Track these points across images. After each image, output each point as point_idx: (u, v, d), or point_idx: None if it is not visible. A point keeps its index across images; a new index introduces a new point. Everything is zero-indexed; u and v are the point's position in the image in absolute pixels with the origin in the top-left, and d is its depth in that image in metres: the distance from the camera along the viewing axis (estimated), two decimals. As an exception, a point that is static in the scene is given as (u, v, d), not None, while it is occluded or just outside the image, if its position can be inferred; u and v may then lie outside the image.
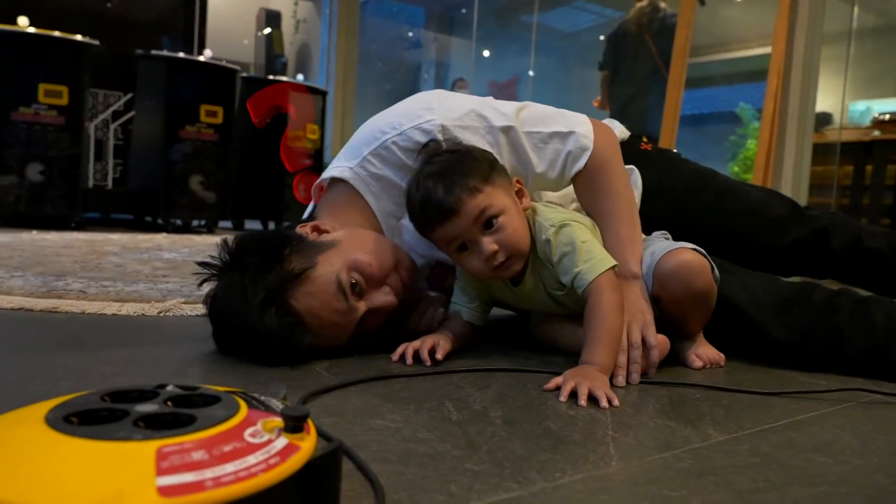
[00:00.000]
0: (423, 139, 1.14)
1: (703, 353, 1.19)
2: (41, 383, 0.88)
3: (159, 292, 1.58)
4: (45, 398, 0.56)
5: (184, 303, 1.44)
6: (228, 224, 4.78)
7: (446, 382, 0.99)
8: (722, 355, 1.20)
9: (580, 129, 1.20)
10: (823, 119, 5.51)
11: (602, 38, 10.69)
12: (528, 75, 8.62)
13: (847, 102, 8.07)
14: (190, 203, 3.97)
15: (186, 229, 4.16)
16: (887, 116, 3.87)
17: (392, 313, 1.14)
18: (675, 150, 1.56)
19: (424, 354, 1.06)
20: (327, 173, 1.27)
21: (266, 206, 4.66)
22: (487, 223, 1.04)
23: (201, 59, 4.05)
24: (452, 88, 6.50)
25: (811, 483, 0.67)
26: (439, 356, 1.07)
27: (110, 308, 1.37)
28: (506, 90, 9.09)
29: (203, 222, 4.28)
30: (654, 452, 0.74)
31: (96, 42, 3.69)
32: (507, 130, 1.18)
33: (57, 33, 3.55)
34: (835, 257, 1.45)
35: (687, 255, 1.11)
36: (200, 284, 1.08)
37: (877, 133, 3.96)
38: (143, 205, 4.12)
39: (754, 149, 4.59)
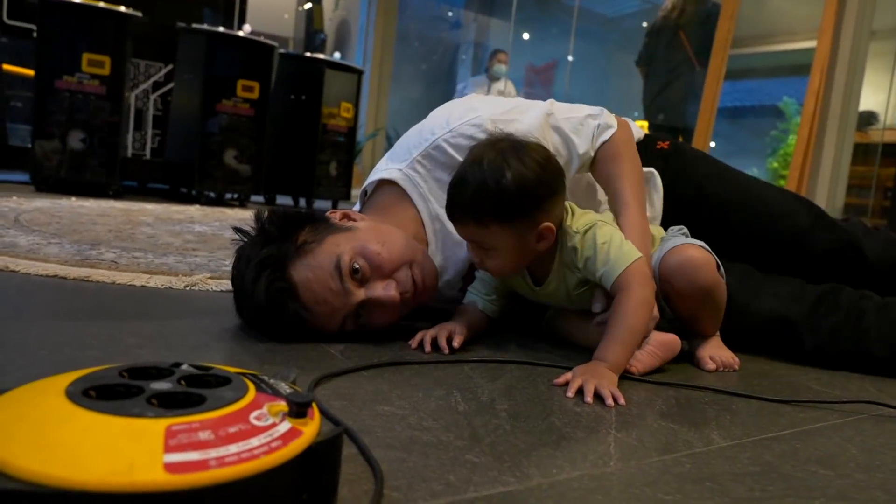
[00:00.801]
0: (474, 133, 1.17)
1: (718, 355, 1.19)
2: (70, 350, 0.92)
3: (188, 266, 1.63)
4: (72, 366, 0.59)
5: (210, 278, 1.48)
6: (261, 198, 4.84)
7: (458, 372, 1.01)
8: (737, 359, 1.20)
9: (605, 112, 1.28)
10: (867, 118, 5.37)
11: (645, 24, 10.52)
12: (567, 60, 8.51)
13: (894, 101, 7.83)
14: (224, 176, 4.04)
15: (219, 202, 4.23)
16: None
17: (407, 314, 1.15)
18: (695, 148, 1.52)
19: (442, 342, 1.08)
20: (374, 176, 1.28)
21: (298, 181, 4.71)
22: (481, 244, 1.08)
23: (240, 34, 4.09)
24: (491, 60, 6.54)
25: (809, 495, 0.68)
26: (456, 344, 1.09)
27: (139, 279, 1.41)
28: (543, 75, 9.01)
29: (236, 196, 4.35)
30: (654, 454, 0.75)
31: (139, 14, 3.75)
32: (547, 118, 1.23)
33: (101, 4, 3.62)
34: (870, 271, 1.41)
35: (691, 251, 1.12)
36: (234, 253, 1.12)
37: (922, 135, 3.84)
38: (178, 176, 4.19)
39: (795, 144, 4.49)
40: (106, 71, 3.66)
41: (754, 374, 1.19)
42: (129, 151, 4.36)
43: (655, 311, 1.08)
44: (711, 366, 1.17)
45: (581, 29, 8.57)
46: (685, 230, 1.25)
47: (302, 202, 4.90)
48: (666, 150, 1.41)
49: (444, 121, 1.22)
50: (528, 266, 1.15)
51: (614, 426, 0.83)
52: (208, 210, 3.52)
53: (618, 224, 1.16)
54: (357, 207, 1.36)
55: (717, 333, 1.24)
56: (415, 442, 0.71)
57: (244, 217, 3.26)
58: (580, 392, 0.92)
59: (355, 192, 6.16)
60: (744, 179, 1.48)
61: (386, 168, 1.26)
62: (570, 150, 1.23)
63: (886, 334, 1.22)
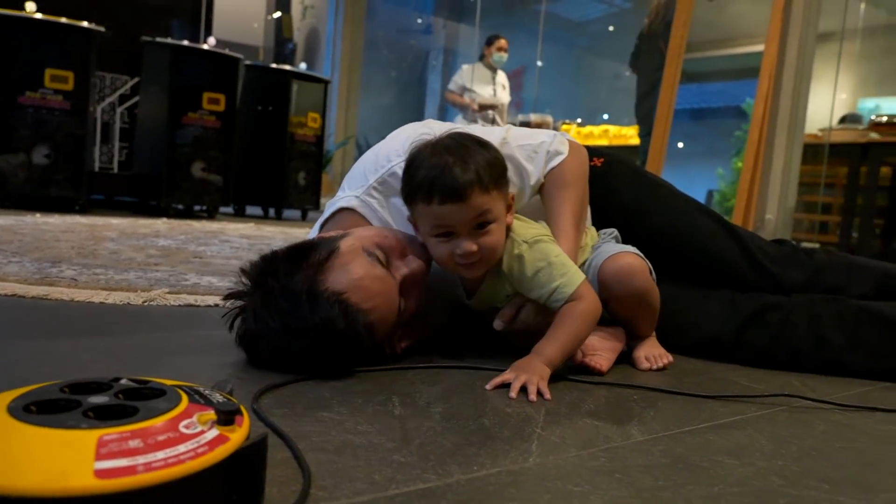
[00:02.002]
0: None
1: (652, 354, 1.26)
2: (23, 368, 0.96)
3: (147, 281, 1.66)
4: (25, 383, 0.63)
5: (168, 293, 1.52)
6: (229, 209, 4.86)
7: (401, 377, 1.06)
8: (671, 357, 1.27)
9: (559, 138, 1.31)
10: (853, 118, 5.48)
11: (612, 28, 10.64)
12: (536, 65, 8.62)
13: (856, 100, 8.05)
14: (191, 188, 4.06)
15: (188, 214, 4.25)
16: (885, 118, 3.89)
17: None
18: (633, 166, 1.54)
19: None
20: (334, 206, 1.28)
21: (267, 192, 4.73)
22: (481, 224, 1.05)
23: (205, 46, 4.11)
24: (489, 47, 5.74)
25: (710, 483, 0.74)
26: (398, 350, 1.14)
27: (98, 296, 1.45)
28: (513, 80, 9.10)
29: (204, 207, 4.36)
30: (573, 450, 0.81)
31: (102, 28, 3.76)
32: (503, 145, 1.23)
33: (64, 19, 3.62)
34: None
35: (628, 259, 1.19)
36: (232, 325, 1.05)
37: (874, 135, 3.98)
38: (146, 188, 4.20)
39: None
40: (69, 86, 3.66)
41: (687, 373, 1.26)
42: (97, 165, 4.36)
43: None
44: (646, 365, 1.24)
45: (548, 34, 8.69)
46: (616, 234, 1.32)
47: (271, 212, 4.92)
48: (598, 167, 1.45)
49: (399, 146, 1.23)
50: (463, 281, 1.18)
51: (541, 425, 0.89)
52: (175, 223, 3.54)
53: None
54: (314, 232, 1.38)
55: (653, 334, 1.31)
56: (347, 445, 0.76)
57: (211, 230, 3.29)
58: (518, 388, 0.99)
59: (324, 201, 6.18)
60: (674, 205, 1.49)
61: (344, 196, 1.27)
62: (522, 180, 1.26)
63: (815, 352, 1.30)
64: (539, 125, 5.73)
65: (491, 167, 1.05)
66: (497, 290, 1.17)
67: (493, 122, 5.64)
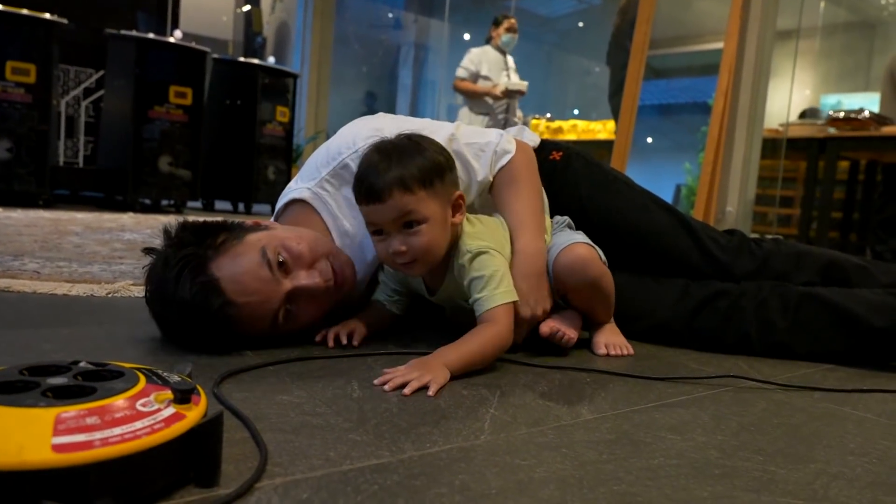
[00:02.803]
0: None
1: (611, 341, 1.30)
2: (-17, 358, 0.96)
3: (112, 274, 1.66)
4: None
5: (132, 285, 1.53)
6: (198, 204, 4.83)
7: (361, 364, 1.08)
8: (631, 349, 1.30)
9: (506, 136, 1.35)
10: (812, 113, 5.62)
11: (581, 24, 10.72)
12: (507, 60, 8.66)
13: (818, 96, 8.25)
14: (158, 183, 4.02)
15: (155, 209, 4.21)
16: (842, 114, 4.00)
17: (329, 313, 1.20)
18: (590, 159, 1.56)
19: (343, 338, 1.16)
20: (286, 196, 1.33)
21: (236, 186, 4.71)
22: (408, 224, 1.08)
23: (171, 40, 4.08)
24: (496, 28, 5.13)
25: (650, 456, 0.78)
26: (355, 342, 1.16)
27: (61, 288, 1.45)
28: (483, 75, 9.16)
29: (172, 202, 4.33)
30: (524, 428, 0.84)
31: (65, 21, 3.71)
32: (450, 142, 1.27)
33: (25, 11, 3.56)
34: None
35: (579, 250, 1.22)
36: (145, 269, 1.11)
37: (831, 130, 4.09)
38: (112, 183, 4.16)
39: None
40: (31, 79, 3.61)
41: (640, 357, 1.31)
42: (61, 159, 4.30)
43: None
44: (603, 350, 1.28)
45: (519, 30, 8.75)
46: (569, 221, 1.36)
47: (241, 207, 4.90)
48: (556, 161, 1.49)
49: (350, 140, 1.28)
50: (424, 276, 1.21)
51: (494, 406, 0.92)
52: (142, 218, 3.51)
53: (512, 247, 1.22)
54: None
55: (612, 321, 1.35)
56: (305, 425, 0.79)
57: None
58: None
59: (296, 196, 6.17)
60: (630, 198, 1.52)
61: (296, 188, 1.31)
62: (469, 176, 1.30)
63: (763, 335, 1.35)
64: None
65: (421, 168, 1.07)
66: (459, 287, 1.18)
67: (506, 111, 5.09)
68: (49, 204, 3.73)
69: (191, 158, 4.13)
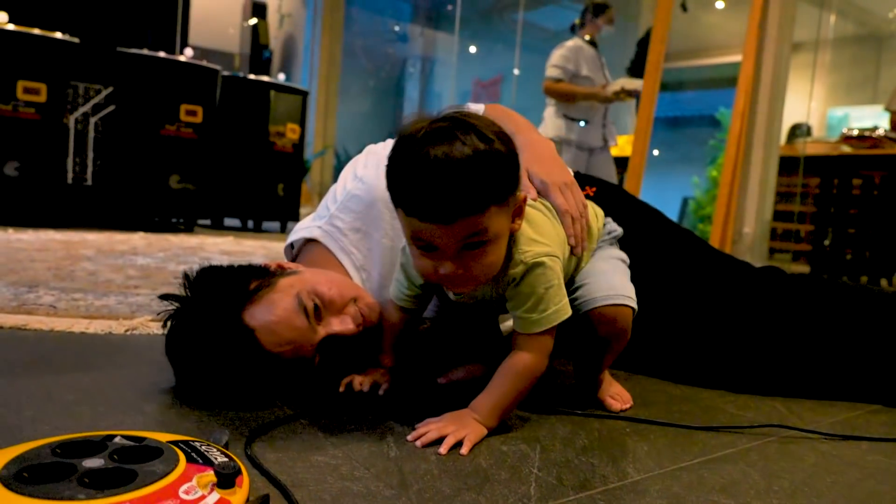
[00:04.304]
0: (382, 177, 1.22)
1: (617, 393, 1.21)
2: (7, 414, 0.93)
3: (128, 307, 1.63)
4: (9, 431, 0.61)
5: (151, 320, 1.49)
6: (207, 222, 4.80)
7: (391, 412, 1.05)
8: (631, 400, 1.21)
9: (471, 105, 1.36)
10: (800, 131, 5.62)
11: (588, 37, 10.73)
12: (513, 74, 8.68)
13: (826, 109, 8.23)
14: (169, 201, 4.00)
15: (165, 227, 4.19)
16: (855, 132, 3.96)
17: (354, 350, 1.16)
18: (624, 194, 1.52)
19: (366, 388, 1.12)
20: (296, 235, 1.32)
21: (246, 204, 4.69)
22: (471, 244, 0.89)
23: (181, 58, 4.07)
24: (595, 19, 4.10)
25: (708, 526, 0.74)
26: (381, 393, 1.13)
27: (78, 325, 1.42)
28: (490, 89, 9.16)
29: (181, 220, 4.31)
30: (572, 493, 0.80)
31: (76, 40, 3.70)
32: None
33: (36, 31, 3.56)
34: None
35: (621, 312, 1.12)
36: (165, 324, 1.07)
37: (845, 148, 4.05)
38: (122, 201, 4.13)
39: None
40: (42, 98, 3.60)
41: (676, 399, 1.27)
42: (70, 177, 4.28)
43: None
44: (617, 406, 1.17)
45: (526, 42, 8.75)
46: (618, 234, 1.25)
47: (250, 224, 4.88)
48: (590, 197, 1.44)
49: (351, 174, 1.29)
50: None
51: (537, 464, 0.88)
52: (153, 238, 3.49)
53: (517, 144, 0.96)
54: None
55: (606, 371, 1.22)
56: (345, 493, 0.75)
57: (190, 245, 3.24)
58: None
59: (304, 212, 6.15)
60: (668, 236, 1.50)
61: (307, 226, 1.30)
62: None
63: None
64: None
65: (497, 179, 0.86)
66: (486, 289, 1.04)
67: (604, 118, 4.14)
68: (59, 224, 3.71)
69: (200, 176, 4.11)
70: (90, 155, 4.41)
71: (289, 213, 4.85)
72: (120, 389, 1.08)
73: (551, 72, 4.06)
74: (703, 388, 1.37)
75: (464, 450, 0.90)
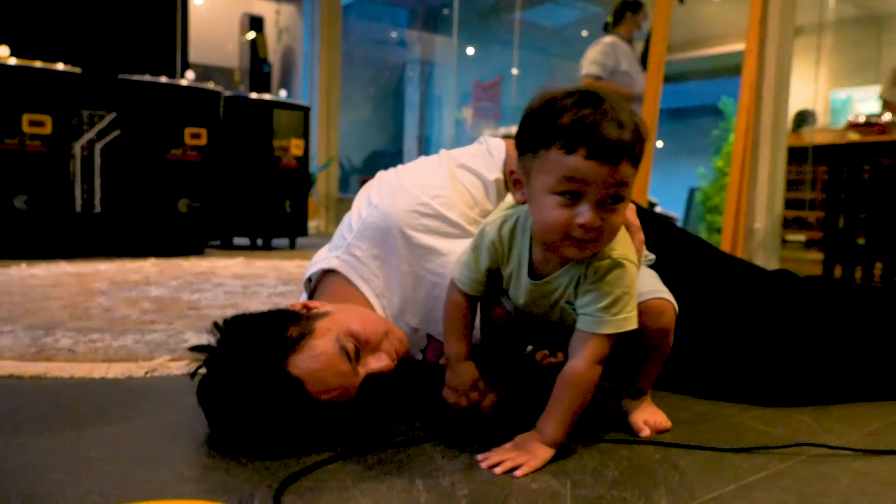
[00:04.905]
0: (400, 203, 1.24)
1: (652, 419, 1.18)
2: (32, 474, 0.93)
3: (146, 346, 1.63)
4: (38, 498, 0.60)
5: (170, 360, 1.49)
6: (217, 242, 4.82)
7: (420, 454, 1.04)
8: (668, 421, 1.19)
9: (485, 139, 1.39)
10: (803, 117, 5.58)
11: (585, 33, 10.73)
12: (512, 74, 8.67)
13: (828, 92, 8.17)
14: (177, 225, 4.02)
15: (176, 251, 4.20)
16: (862, 119, 3.93)
17: (390, 383, 1.15)
18: (647, 211, 1.52)
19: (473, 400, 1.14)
20: (315, 267, 1.32)
21: (254, 222, 4.70)
22: (615, 197, 0.90)
23: (183, 82, 4.08)
24: (637, 10, 4.00)
25: (747, 565, 0.73)
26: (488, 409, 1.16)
27: (98, 370, 1.42)
28: (490, 90, 9.14)
29: (191, 244, 4.32)
30: (606, 534, 0.79)
31: (78, 70, 3.72)
32: (450, 161, 1.33)
33: (38, 64, 3.57)
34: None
35: (668, 307, 1.13)
36: (193, 375, 1.06)
37: (853, 136, 4.02)
38: (131, 227, 4.15)
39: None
40: (47, 130, 3.62)
41: (700, 418, 1.26)
42: (79, 204, 4.30)
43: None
44: (646, 432, 1.15)
45: (524, 40, 8.73)
46: (652, 259, 1.27)
47: (259, 242, 4.89)
48: None
49: (366, 202, 1.29)
50: (535, 259, 1.05)
51: (569, 501, 0.87)
52: (164, 264, 3.50)
53: None
54: (304, 296, 1.38)
55: (650, 393, 1.23)
56: (379, 550, 0.74)
57: (202, 270, 3.25)
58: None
59: (312, 225, 6.16)
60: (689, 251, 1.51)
61: (325, 258, 1.30)
62: (482, 180, 1.31)
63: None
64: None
65: (642, 138, 0.91)
66: (570, 283, 1.03)
67: None
68: (69, 254, 3.73)
69: (208, 198, 4.13)
70: (97, 181, 4.43)
71: (297, 229, 4.86)
72: (145, 442, 1.07)
73: (591, 69, 3.92)
74: (728, 403, 1.35)
75: (518, 473, 0.95)
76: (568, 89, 0.92)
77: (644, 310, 1.09)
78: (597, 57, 3.94)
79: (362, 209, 1.29)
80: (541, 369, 1.47)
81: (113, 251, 4.01)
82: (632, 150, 0.89)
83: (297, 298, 1.39)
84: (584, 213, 0.89)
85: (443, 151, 1.37)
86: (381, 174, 1.37)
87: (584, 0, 9.65)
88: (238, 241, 5.01)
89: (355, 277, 1.27)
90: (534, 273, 1.06)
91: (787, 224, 4.98)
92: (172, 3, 4.56)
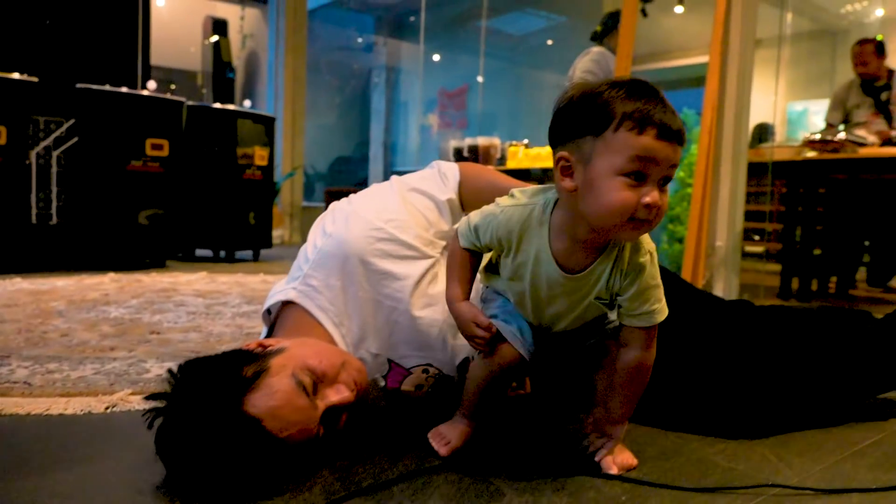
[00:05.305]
0: (353, 230, 1.27)
1: (620, 459, 1.18)
2: (-12, 531, 0.90)
3: (106, 377, 1.59)
4: None
5: (130, 394, 1.46)
6: (179, 254, 4.73)
7: (406, 488, 1.03)
8: (636, 460, 1.19)
9: (437, 163, 1.41)
10: (762, 132, 5.70)
11: (550, 42, 10.82)
12: (478, 81, 8.70)
13: (785, 104, 8.39)
14: (138, 238, 3.93)
15: (135, 265, 4.11)
16: (818, 136, 4.04)
17: (352, 413, 1.16)
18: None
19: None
20: (273, 299, 1.31)
21: (217, 234, 4.63)
22: (666, 179, 0.95)
23: (144, 92, 4.00)
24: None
25: None
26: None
27: (56, 405, 1.38)
28: (456, 99, 9.17)
29: (150, 259, 4.23)
30: (576, 589, 0.80)
31: (35, 79, 3.62)
32: (402, 186, 1.35)
33: (-8, 72, 3.47)
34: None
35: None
36: (150, 425, 1.03)
37: (809, 153, 4.13)
38: (89, 240, 4.05)
39: (697, 154, 4.72)
40: (2, 140, 3.51)
41: (667, 454, 1.27)
42: (34, 213, 4.17)
43: None
44: (614, 470, 1.15)
45: (490, 48, 8.77)
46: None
47: (222, 254, 4.81)
48: None
49: (320, 231, 1.31)
50: (562, 253, 1.05)
51: (539, 554, 0.88)
52: (123, 279, 3.42)
53: None
54: (264, 331, 1.37)
55: (622, 433, 1.20)
56: None
57: (163, 286, 3.17)
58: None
59: (276, 234, 6.09)
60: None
61: (283, 289, 1.30)
62: (434, 201, 1.33)
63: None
64: (487, 149, 5.71)
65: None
66: (608, 276, 1.05)
67: None
68: (24, 268, 3.62)
69: (170, 210, 4.05)
70: (54, 190, 4.30)
71: (261, 241, 4.80)
72: (107, 488, 1.05)
73: (584, 77, 3.90)
74: (692, 435, 1.37)
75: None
76: (611, 82, 0.96)
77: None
78: (589, 66, 3.99)
79: (317, 239, 1.30)
80: (507, 401, 1.47)
81: (70, 265, 3.90)
82: (683, 135, 0.94)
83: (260, 318, 1.38)
84: (651, 193, 0.92)
85: (394, 177, 1.39)
86: (334, 205, 1.39)
87: (549, 10, 9.74)
88: (200, 252, 4.92)
89: (312, 307, 1.27)
90: (565, 268, 1.05)
91: (747, 235, 5.09)
92: (134, 12, 4.47)
